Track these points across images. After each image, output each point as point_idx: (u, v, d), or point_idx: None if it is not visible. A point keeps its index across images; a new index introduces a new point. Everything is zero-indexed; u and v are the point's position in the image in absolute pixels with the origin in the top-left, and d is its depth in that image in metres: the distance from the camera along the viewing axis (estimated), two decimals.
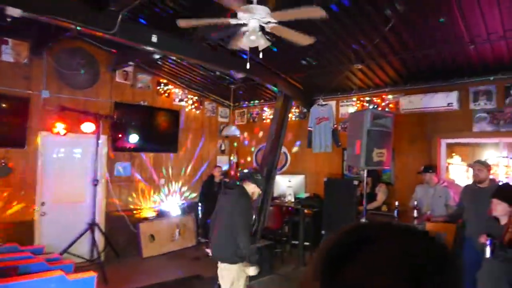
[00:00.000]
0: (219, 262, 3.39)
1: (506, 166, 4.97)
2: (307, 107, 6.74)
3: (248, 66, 3.25)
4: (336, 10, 3.78)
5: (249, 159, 8.03)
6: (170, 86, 7.06)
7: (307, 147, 6.58)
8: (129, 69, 6.35)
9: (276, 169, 5.83)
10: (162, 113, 6.97)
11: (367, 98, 6.12)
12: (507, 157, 5.00)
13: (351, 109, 6.15)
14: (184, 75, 6.74)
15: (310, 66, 5.41)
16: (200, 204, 6.79)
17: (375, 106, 5.92)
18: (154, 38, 4.01)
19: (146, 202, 6.69)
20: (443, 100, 5.25)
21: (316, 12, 2.81)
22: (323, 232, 5.11)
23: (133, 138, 6.16)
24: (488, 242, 2.84)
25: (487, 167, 4.18)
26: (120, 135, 6.15)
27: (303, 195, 6.46)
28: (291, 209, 6.32)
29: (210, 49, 4.74)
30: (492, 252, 2.81)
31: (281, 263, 5.82)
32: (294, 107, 7.04)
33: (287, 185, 6.24)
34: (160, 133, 6.93)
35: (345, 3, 3.68)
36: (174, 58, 5.71)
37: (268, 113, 7.57)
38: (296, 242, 6.03)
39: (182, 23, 3.05)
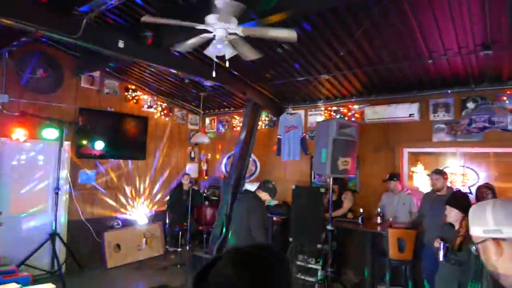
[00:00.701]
0: None
1: (463, 174, 5.25)
2: (277, 116, 6.83)
3: (214, 74, 3.26)
4: (304, 24, 3.88)
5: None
6: (138, 93, 6.95)
7: (276, 155, 6.66)
8: (96, 74, 6.20)
9: (244, 176, 5.85)
10: (130, 119, 6.83)
11: (334, 108, 6.28)
12: (463, 166, 5.28)
13: (319, 118, 6.29)
14: (153, 82, 6.66)
15: (280, 76, 5.50)
16: (168, 212, 6.68)
17: (342, 116, 6.09)
18: (120, 44, 3.95)
19: (112, 210, 6.50)
20: (405, 111, 5.48)
21: (289, 35, 2.92)
22: (290, 239, 5.16)
23: (99, 145, 5.98)
24: (441, 246, 2.98)
25: (444, 175, 4.40)
26: (85, 142, 5.96)
27: (272, 202, 6.50)
28: None
29: (178, 56, 4.72)
30: (444, 255, 2.95)
31: None
32: (264, 116, 7.12)
33: None
34: (127, 140, 6.78)
35: (311, 18, 3.78)
36: (143, 64, 5.64)
37: (238, 121, 7.60)
38: None
39: (147, 18, 2.97)
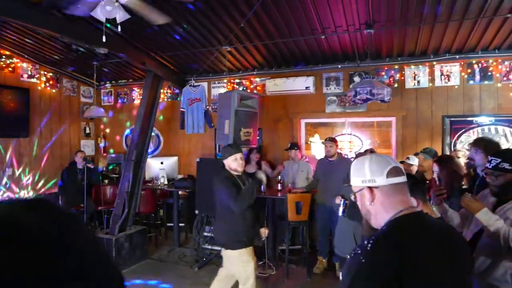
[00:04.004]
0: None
1: (350, 142, 5.88)
2: (179, 88, 6.63)
3: (104, 39, 2.97)
4: None
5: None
6: (15, 60, 5.99)
7: (179, 129, 6.52)
8: None
9: (147, 152, 5.60)
10: (6, 91, 5.88)
11: (237, 80, 6.36)
12: (350, 134, 5.91)
13: (223, 91, 6.29)
14: (34, 47, 5.78)
15: (181, 45, 5.29)
16: (60, 194, 6.06)
17: (244, 88, 6.20)
18: None
19: None
20: (302, 84, 5.83)
21: (161, 19, 2.92)
22: (196, 212, 5.19)
23: None
24: (341, 203, 3.32)
25: (336, 143, 4.87)
26: None
27: (177, 177, 6.41)
28: (165, 191, 6.21)
29: (62, 18, 4.15)
30: (343, 211, 3.29)
31: (156, 247, 5.72)
32: (166, 88, 6.84)
33: (159, 167, 6.08)
34: (4, 114, 5.84)
35: None
36: (16, 25, 4.83)
37: (138, 93, 7.16)
38: (171, 224, 5.99)
39: None
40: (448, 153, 5.13)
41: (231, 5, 4.07)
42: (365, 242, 1.10)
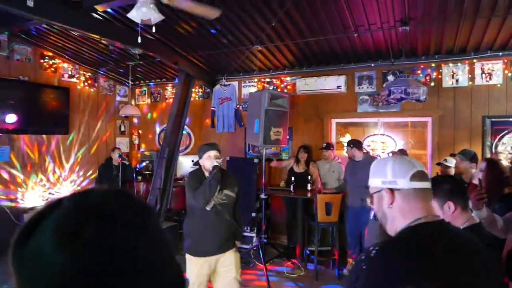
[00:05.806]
0: None
1: (382, 142, 5.72)
2: (210, 87, 6.72)
3: (140, 40, 3.06)
4: None
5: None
6: (57, 60, 6.30)
7: (210, 127, 6.60)
8: (3, 37, 5.46)
9: (178, 149, 5.73)
10: (48, 90, 6.19)
11: (268, 80, 6.35)
12: (383, 134, 5.75)
13: (253, 90, 6.31)
14: (74, 48, 6.06)
15: (213, 45, 5.35)
16: None
17: (275, 87, 6.19)
18: (29, 3, 3.49)
19: (32, 190, 5.97)
20: (333, 83, 5.74)
21: (211, 12, 2.89)
22: None
23: (11, 118, 5.37)
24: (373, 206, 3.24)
25: (355, 144, 4.77)
26: None
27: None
28: None
29: (101, 20, 4.33)
30: (374, 215, 3.22)
31: None
32: (197, 87, 6.95)
33: (190, 165, 6.19)
34: (46, 112, 6.16)
35: None
36: (59, 27, 5.08)
37: (171, 93, 7.33)
38: None
39: None
40: (488, 155, 4.88)
41: (263, 4, 4.07)
42: (370, 248, 1.02)
